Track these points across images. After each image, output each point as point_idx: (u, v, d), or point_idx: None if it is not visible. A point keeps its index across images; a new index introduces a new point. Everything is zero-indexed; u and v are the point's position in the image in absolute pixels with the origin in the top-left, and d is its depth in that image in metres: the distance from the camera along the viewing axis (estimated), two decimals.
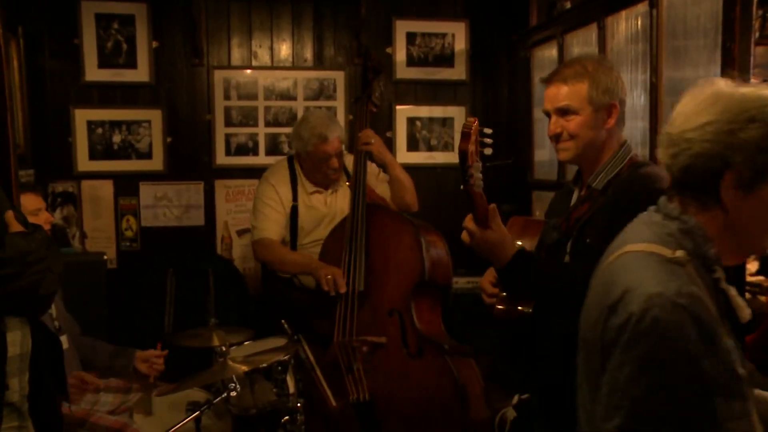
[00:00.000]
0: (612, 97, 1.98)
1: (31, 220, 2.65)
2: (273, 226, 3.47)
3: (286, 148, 4.46)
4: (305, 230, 3.52)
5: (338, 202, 3.54)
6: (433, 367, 3.03)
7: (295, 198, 3.51)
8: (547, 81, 2.06)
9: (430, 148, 4.74)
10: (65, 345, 2.78)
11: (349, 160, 3.56)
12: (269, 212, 3.47)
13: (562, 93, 2.01)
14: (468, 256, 4.58)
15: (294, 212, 3.51)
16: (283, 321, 2.90)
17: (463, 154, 1.74)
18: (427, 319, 3.17)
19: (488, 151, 1.77)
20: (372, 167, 3.59)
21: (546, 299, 1.96)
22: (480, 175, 1.77)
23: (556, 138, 2.04)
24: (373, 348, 3.13)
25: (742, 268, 2.48)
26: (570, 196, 2.14)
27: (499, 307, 2.02)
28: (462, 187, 1.80)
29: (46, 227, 2.77)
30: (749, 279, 2.81)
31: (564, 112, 2.01)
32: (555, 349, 2.00)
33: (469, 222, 1.88)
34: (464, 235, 1.93)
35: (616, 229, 1.84)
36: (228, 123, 4.49)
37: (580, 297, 1.84)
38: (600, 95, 1.97)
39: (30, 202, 2.71)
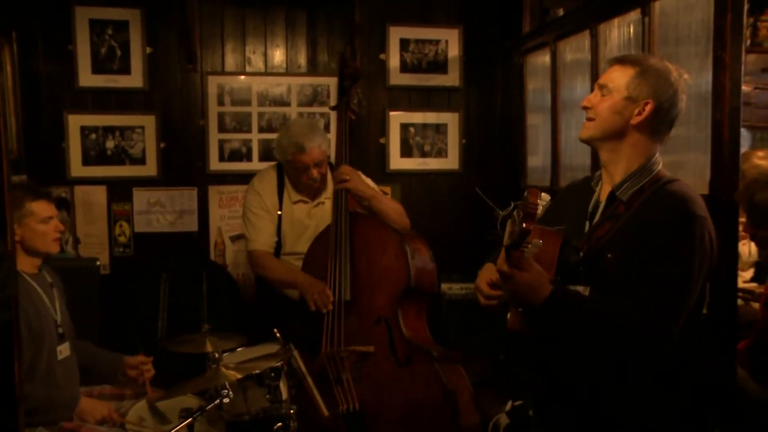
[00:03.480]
0: (650, 95, 1.91)
1: (41, 228, 2.66)
2: (263, 236, 3.46)
3: None
4: (287, 241, 3.50)
5: (323, 215, 3.47)
6: (422, 374, 3.03)
7: (279, 206, 3.50)
8: (612, 59, 2.04)
9: (424, 154, 4.75)
10: (67, 352, 2.77)
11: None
12: (257, 221, 3.47)
13: (611, 72, 1.99)
14: (461, 261, 4.59)
15: (278, 221, 3.50)
16: (275, 330, 2.90)
17: (525, 234, 1.70)
18: (414, 327, 3.17)
19: (539, 210, 1.74)
20: (368, 182, 3.56)
21: (581, 336, 1.89)
22: (536, 249, 1.74)
23: (586, 111, 2.01)
24: (361, 357, 3.12)
25: (735, 274, 2.49)
26: (588, 197, 2.07)
27: (514, 319, 1.96)
28: (505, 244, 1.77)
29: (56, 236, 2.74)
30: (742, 285, 2.82)
31: (601, 87, 1.98)
32: (561, 355, 1.99)
33: (503, 265, 1.82)
34: (495, 278, 1.90)
35: (640, 249, 1.84)
36: (221, 129, 4.49)
37: (617, 335, 1.85)
38: (638, 87, 1.92)
39: (42, 209, 2.68)
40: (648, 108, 1.91)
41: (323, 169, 3.44)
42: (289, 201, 3.51)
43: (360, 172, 3.59)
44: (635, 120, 1.93)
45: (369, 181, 3.58)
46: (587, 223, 2.03)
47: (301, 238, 3.47)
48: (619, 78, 1.95)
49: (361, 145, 4.66)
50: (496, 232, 1.92)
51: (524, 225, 1.69)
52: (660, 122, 1.94)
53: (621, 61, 2.00)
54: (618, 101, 1.94)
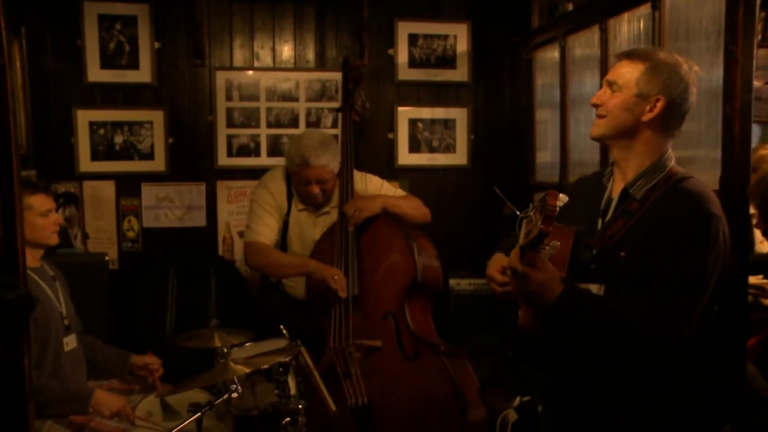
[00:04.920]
0: (661, 91, 1.88)
1: (41, 221, 2.68)
2: (267, 231, 3.41)
3: None
4: (293, 247, 3.47)
5: (328, 224, 3.42)
6: (430, 368, 3.03)
7: (288, 212, 3.46)
8: (620, 54, 2.02)
9: (432, 150, 4.74)
10: (74, 344, 2.80)
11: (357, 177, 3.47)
12: (264, 215, 3.42)
13: (620, 67, 1.96)
14: (470, 257, 4.58)
15: (284, 226, 3.46)
16: (281, 327, 2.91)
17: (543, 236, 1.69)
18: (420, 322, 3.19)
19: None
20: (374, 182, 3.53)
21: (593, 334, 1.88)
22: (554, 251, 1.74)
23: (595, 108, 2.00)
24: (368, 352, 3.13)
25: (745, 270, 2.47)
26: (600, 193, 2.05)
27: (525, 316, 1.95)
28: (521, 244, 1.77)
29: (56, 229, 2.76)
30: (752, 281, 2.80)
31: (611, 84, 1.96)
32: (571, 353, 1.99)
33: (515, 262, 1.81)
34: (490, 262, 1.90)
35: (654, 247, 1.83)
36: (230, 124, 4.50)
37: (630, 334, 1.84)
38: (648, 83, 1.89)
39: (40, 202, 2.71)
40: (659, 104, 1.89)
41: (327, 185, 3.35)
42: (296, 208, 3.47)
43: (368, 176, 3.56)
44: (647, 117, 1.90)
45: (375, 180, 3.55)
46: (600, 221, 2.01)
47: (307, 244, 3.45)
48: (628, 74, 1.92)
49: (370, 140, 4.65)
50: (513, 233, 1.91)
51: (543, 227, 1.68)
52: (672, 117, 1.92)
53: (630, 55, 1.96)
54: (628, 98, 1.91)
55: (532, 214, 1.76)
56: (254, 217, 3.45)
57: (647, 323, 1.82)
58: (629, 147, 1.95)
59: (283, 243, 3.48)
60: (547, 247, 1.73)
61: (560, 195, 1.71)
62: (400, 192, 3.59)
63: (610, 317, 1.85)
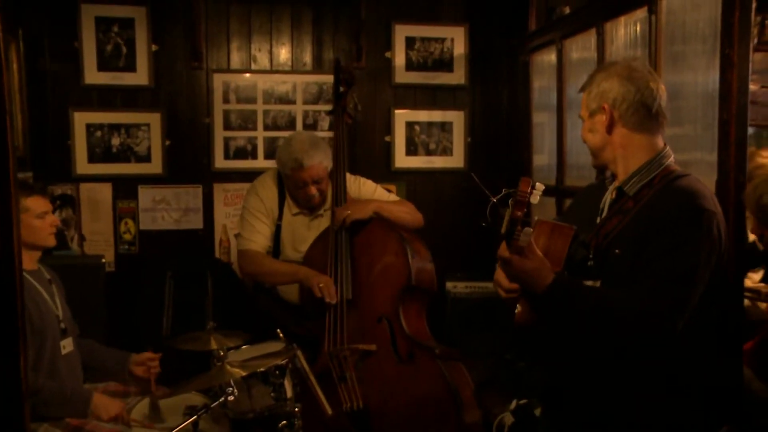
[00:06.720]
0: (602, 100, 2.00)
1: (38, 223, 2.67)
2: (259, 238, 3.42)
3: None
4: (286, 251, 3.47)
5: (322, 226, 3.41)
6: (425, 371, 3.03)
7: (280, 216, 3.46)
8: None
9: (429, 153, 4.75)
10: (70, 347, 2.79)
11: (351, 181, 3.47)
12: (256, 223, 3.43)
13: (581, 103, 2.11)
14: (467, 260, 4.57)
15: (277, 231, 3.46)
16: (278, 330, 2.90)
17: (514, 222, 1.74)
18: (415, 325, 3.18)
19: (535, 199, 1.76)
20: (367, 185, 3.53)
21: (586, 326, 1.90)
22: (528, 237, 1.76)
23: None
24: (363, 356, 3.13)
25: (742, 274, 2.48)
26: (602, 194, 2.11)
27: (522, 311, 1.96)
28: (501, 232, 1.80)
29: (52, 231, 2.76)
30: (749, 285, 2.81)
31: (581, 119, 2.10)
32: (568, 353, 1.99)
33: (504, 251, 1.84)
34: (498, 266, 1.92)
35: (646, 243, 1.85)
36: (227, 126, 4.50)
37: (622, 325, 1.85)
38: (592, 101, 2.03)
39: (37, 204, 2.70)
40: (606, 110, 1.99)
41: (323, 185, 3.35)
42: (289, 212, 3.46)
43: (361, 179, 3.56)
44: (605, 125, 2.01)
45: (368, 184, 3.54)
46: (599, 219, 2.04)
47: (300, 247, 3.44)
48: (582, 103, 2.08)
49: (366, 143, 4.65)
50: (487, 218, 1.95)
51: (513, 213, 1.73)
52: (629, 114, 1.98)
53: (581, 89, 2.11)
54: (588, 122, 2.06)
55: (510, 201, 1.79)
56: (246, 225, 3.46)
57: (639, 313, 1.82)
58: (613, 158, 2.04)
59: (276, 248, 3.47)
60: (521, 235, 1.74)
61: (536, 183, 1.75)
62: (393, 197, 3.58)
63: (602, 306, 1.86)
